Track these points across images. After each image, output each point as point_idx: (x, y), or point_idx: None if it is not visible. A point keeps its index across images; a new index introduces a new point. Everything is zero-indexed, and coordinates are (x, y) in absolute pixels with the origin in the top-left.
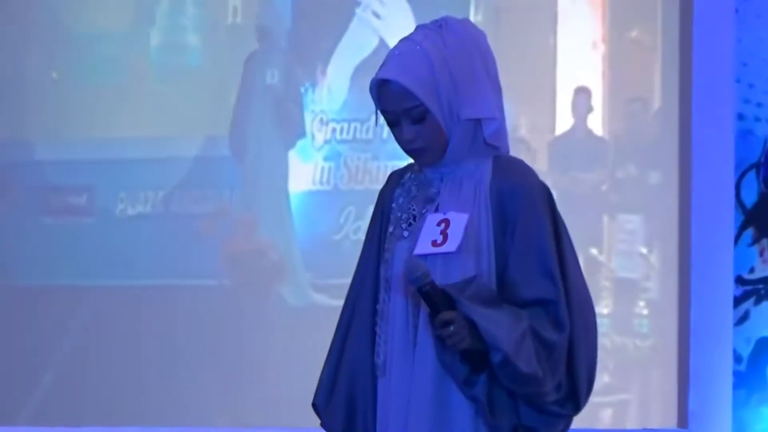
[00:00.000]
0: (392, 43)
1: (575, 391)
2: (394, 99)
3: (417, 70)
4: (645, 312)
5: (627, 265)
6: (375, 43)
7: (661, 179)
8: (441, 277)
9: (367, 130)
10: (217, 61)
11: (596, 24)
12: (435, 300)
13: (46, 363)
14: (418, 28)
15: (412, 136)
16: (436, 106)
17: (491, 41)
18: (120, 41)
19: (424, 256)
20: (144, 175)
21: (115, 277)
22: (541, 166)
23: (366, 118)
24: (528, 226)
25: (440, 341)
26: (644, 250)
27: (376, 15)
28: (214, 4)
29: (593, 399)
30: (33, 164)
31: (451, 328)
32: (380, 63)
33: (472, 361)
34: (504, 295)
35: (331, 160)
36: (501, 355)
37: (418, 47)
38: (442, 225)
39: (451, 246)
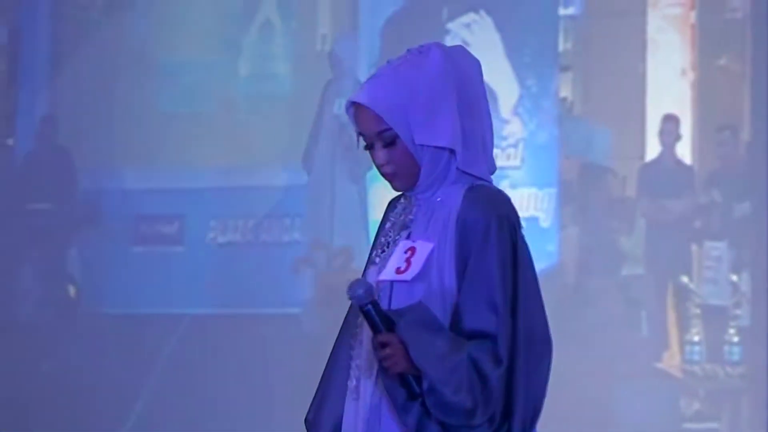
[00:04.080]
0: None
1: (510, 426)
2: (366, 122)
3: (388, 94)
4: (735, 339)
5: (716, 292)
6: None
7: (750, 206)
8: (401, 305)
9: None
10: (306, 88)
11: (685, 51)
12: (374, 321)
13: (137, 390)
14: (406, 52)
15: (383, 160)
16: (405, 131)
17: (580, 69)
18: (208, 70)
19: (389, 283)
20: (234, 203)
21: (205, 305)
22: (629, 192)
23: None
24: (480, 257)
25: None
26: (734, 277)
27: (466, 43)
28: (303, 32)
29: (684, 425)
30: (123, 193)
31: (387, 350)
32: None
33: (410, 386)
34: (452, 325)
35: None
36: (428, 382)
37: (392, 72)
38: (408, 252)
39: (408, 275)
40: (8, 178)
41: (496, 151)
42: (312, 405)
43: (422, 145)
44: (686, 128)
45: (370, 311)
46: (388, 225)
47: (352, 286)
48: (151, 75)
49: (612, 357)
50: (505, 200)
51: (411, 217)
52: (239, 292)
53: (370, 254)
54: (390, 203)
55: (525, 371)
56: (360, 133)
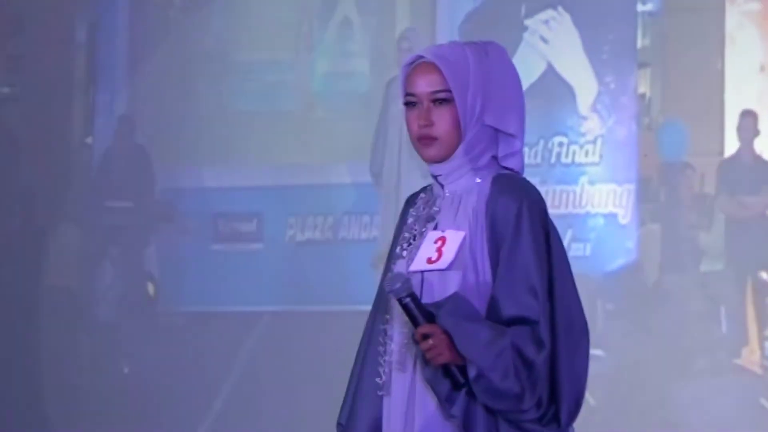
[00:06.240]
0: (560, 67)
1: (557, 409)
2: (424, 80)
3: (455, 61)
4: None
5: None
6: (542, 67)
7: None
8: (437, 294)
9: (536, 155)
10: (384, 86)
11: (764, 47)
12: (414, 313)
13: (216, 388)
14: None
15: (429, 121)
16: (461, 98)
17: (659, 65)
18: (286, 68)
19: (420, 273)
20: (313, 201)
21: (285, 302)
22: (708, 189)
23: (534, 143)
24: (515, 244)
25: (421, 355)
26: None
27: (544, 40)
28: (382, 29)
29: (764, 421)
30: (201, 191)
31: (430, 341)
32: (548, 88)
33: (454, 376)
34: (489, 311)
35: None
36: (475, 370)
37: (464, 45)
38: (439, 242)
39: (442, 263)
40: (87, 176)
41: (574, 147)
42: (343, 408)
43: (478, 122)
44: (765, 124)
45: (409, 304)
46: (410, 220)
47: (390, 281)
48: (229, 73)
49: (691, 353)
50: (533, 187)
51: (435, 208)
52: (318, 289)
53: (392, 250)
54: (408, 200)
55: (566, 355)
56: (409, 93)
